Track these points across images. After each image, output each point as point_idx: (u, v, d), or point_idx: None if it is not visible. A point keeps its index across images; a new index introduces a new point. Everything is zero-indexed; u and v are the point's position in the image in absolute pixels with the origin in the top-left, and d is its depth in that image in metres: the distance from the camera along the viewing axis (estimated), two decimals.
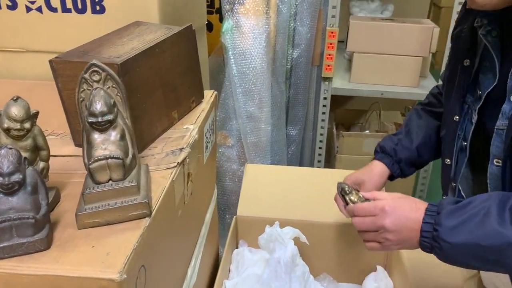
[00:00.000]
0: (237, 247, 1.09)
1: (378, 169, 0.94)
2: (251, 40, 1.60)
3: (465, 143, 0.79)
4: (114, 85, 0.54)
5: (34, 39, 0.90)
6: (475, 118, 0.76)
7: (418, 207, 0.66)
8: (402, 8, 1.96)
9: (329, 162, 1.89)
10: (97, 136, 0.52)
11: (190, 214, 0.73)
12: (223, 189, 1.72)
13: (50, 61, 0.65)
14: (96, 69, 0.53)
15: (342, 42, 1.77)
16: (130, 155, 0.53)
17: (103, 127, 0.52)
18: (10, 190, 0.45)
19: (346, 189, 0.74)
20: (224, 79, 1.63)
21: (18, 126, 0.50)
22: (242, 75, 1.61)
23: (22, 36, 0.91)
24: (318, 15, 1.76)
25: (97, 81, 0.53)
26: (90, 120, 0.51)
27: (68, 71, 0.64)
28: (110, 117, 0.52)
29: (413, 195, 1.84)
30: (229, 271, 1.03)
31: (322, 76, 1.59)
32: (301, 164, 1.94)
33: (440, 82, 1.04)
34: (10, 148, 0.45)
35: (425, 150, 0.94)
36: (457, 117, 0.80)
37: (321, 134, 1.67)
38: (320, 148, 1.70)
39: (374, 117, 1.92)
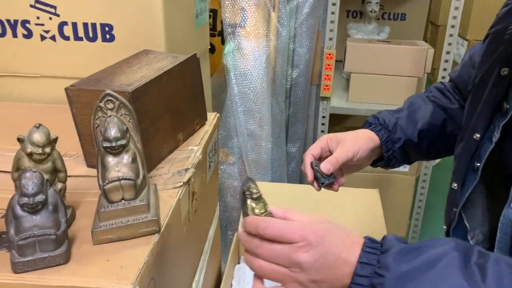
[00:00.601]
0: (238, 263, 1.13)
1: (366, 135, 0.80)
2: (252, 61, 1.66)
3: (478, 164, 0.65)
4: (126, 113, 0.60)
5: (47, 65, 0.96)
6: (496, 136, 0.62)
7: (352, 240, 0.49)
8: (398, 29, 2.03)
9: None
10: (110, 159, 0.57)
11: (194, 231, 0.77)
12: (224, 206, 1.76)
13: (66, 89, 0.70)
14: (110, 98, 0.58)
15: (340, 62, 1.83)
16: (141, 176, 0.58)
17: (117, 151, 0.57)
18: (34, 209, 0.50)
19: (252, 190, 0.53)
20: (225, 99, 1.69)
21: (40, 150, 0.55)
22: (243, 95, 1.67)
23: (36, 63, 0.96)
24: (317, 37, 1.83)
25: (111, 109, 0.59)
26: (105, 145, 0.56)
27: (82, 98, 0.70)
28: (123, 142, 0.57)
29: (412, 211, 1.88)
30: (231, 286, 1.07)
31: (321, 95, 1.65)
32: (301, 181, 1.99)
33: (447, 80, 0.99)
34: (34, 171, 0.50)
35: (426, 139, 0.82)
36: (478, 135, 0.66)
37: None
38: None
39: None
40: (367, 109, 1.64)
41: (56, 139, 0.57)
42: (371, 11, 1.84)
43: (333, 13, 1.54)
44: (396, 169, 1.84)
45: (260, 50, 1.65)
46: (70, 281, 0.49)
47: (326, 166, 0.74)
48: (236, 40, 1.64)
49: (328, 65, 1.55)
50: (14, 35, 0.94)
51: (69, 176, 0.69)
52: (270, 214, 0.52)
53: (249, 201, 0.52)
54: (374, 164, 0.85)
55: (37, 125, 0.56)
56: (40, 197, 0.50)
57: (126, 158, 0.58)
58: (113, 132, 0.56)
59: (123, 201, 0.57)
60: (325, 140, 0.79)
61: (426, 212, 1.84)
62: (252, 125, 1.71)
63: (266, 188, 1.34)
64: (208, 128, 0.87)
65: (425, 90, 0.92)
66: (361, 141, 0.78)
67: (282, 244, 0.48)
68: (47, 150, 0.56)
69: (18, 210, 0.50)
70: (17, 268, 0.50)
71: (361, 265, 0.46)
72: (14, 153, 0.78)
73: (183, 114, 0.81)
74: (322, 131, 1.72)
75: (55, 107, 0.94)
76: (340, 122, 2.09)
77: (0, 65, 0.97)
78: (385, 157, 0.81)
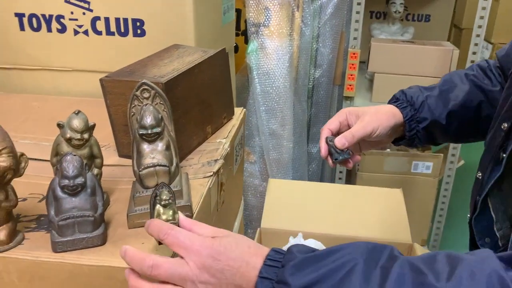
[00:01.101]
0: None
1: (389, 110, 0.75)
2: (275, 60, 1.67)
3: (504, 155, 0.63)
4: (161, 102, 0.61)
5: (80, 59, 0.99)
6: None
7: (253, 252, 0.46)
8: (422, 30, 2.01)
9: (350, 180, 1.93)
10: (146, 147, 0.59)
11: (221, 222, 0.78)
12: (245, 204, 1.77)
13: (101, 80, 0.72)
14: (146, 87, 0.60)
15: (364, 63, 1.83)
16: (174, 163, 0.60)
17: (152, 139, 0.59)
18: (74, 192, 0.52)
19: (163, 196, 0.51)
20: (248, 98, 1.70)
21: (78, 136, 0.57)
22: (266, 94, 1.68)
23: (69, 57, 0.99)
24: (340, 37, 1.83)
25: (147, 98, 0.60)
26: (140, 132, 0.58)
27: (116, 89, 0.72)
28: (158, 129, 0.58)
29: (434, 214, 1.86)
30: None
31: (344, 95, 1.65)
32: (321, 181, 1.99)
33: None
34: (74, 155, 0.52)
35: (456, 121, 0.76)
36: (506, 125, 0.64)
37: None
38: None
39: None
40: None
41: (93, 126, 0.59)
42: (395, 12, 1.83)
43: (358, 12, 1.55)
44: (418, 170, 1.84)
45: (284, 50, 1.66)
46: (108, 262, 0.50)
47: (340, 141, 0.70)
48: (259, 39, 1.65)
49: (352, 65, 1.55)
50: (49, 29, 0.97)
51: (105, 165, 0.71)
52: (175, 223, 0.50)
53: (157, 206, 0.51)
54: (395, 142, 0.79)
55: (76, 112, 0.58)
56: (79, 180, 0.52)
57: (160, 145, 0.59)
58: (149, 120, 0.58)
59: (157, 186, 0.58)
60: (344, 114, 0.74)
61: (448, 216, 1.82)
62: (274, 124, 1.72)
63: (287, 185, 1.35)
64: (235, 122, 0.89)
65: (468, 67, 0.83)
66: (382, 116, 0.72)
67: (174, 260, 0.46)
68: (85, 136, 0.58)
69: (59, 192, 0.52)
70: (57, 247, 0.51)
71: (261, 280, 0.43)
72: (49, 143, 0.81)
73: (212, 107, 0.82)
74: None
75: (87, 100, 0.96)
76: None
77: (34, 59, 1.00)
78: (407, 136, 0.76)
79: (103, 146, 0.83)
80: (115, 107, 0.73)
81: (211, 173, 0.69)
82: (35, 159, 0.72)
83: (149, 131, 0.58)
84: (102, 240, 0.53)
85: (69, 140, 0.57)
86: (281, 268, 0.43)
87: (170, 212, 0.50)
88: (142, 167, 0.57)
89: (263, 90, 1.68)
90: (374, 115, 0.72)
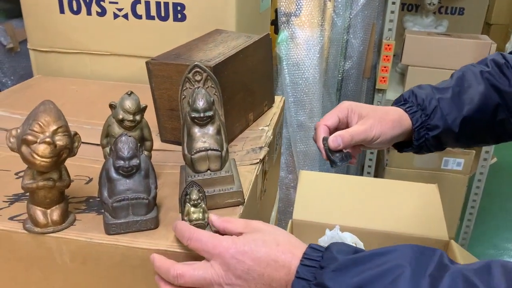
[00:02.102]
0: None
1: (397, 116, 0.66)
2: (305, 51, 1.65)
3: None
4: (212, 85, 0.60)
5: (119, 43, 0.98)
6: None
7: (284, 249, 0.44)
8: (455, 24, 1.96)
9: (378, 175, 1.90)
10: (197, 130, 0.58)
11: (264, 209, 0.77)
12: None
13: (147, 63, 0.71)
14: (198, 70, 0.58)
15: (394, 56, 1.79)
16: (225, 148, 0.58)
17: (204, 122, 0.57)
18: (129, 173, 0.50)
19: (192, 196, 0.50)
20: (276, 89, 1.68)
21: (130, 117, 0.56)
22: (295, 85, 1.66)
23: (108, 41, 0.98)
24: (371, 29, 1.79)
25: (198, 81, 0.59)
26: (193, 115, 0.57)
27: (163, 72, 0.71)
28: (210, 113, 0.57)
29: (463, 212, 1.82)
30: None
31: (376, 87, 1.62)
32: (347, 175, 1.96)
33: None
34: (129, 136, 0.51)
35: (470, 127, 0.67)
36: None
37: None
38: (370, 159, 1.72)
39: None
40: None
41: (145, 108, 0.58)
42: (429, 4, 1.78)
43: (393, 3, 1.51)
44: (448, 166, 1.80)
45: (314, 40, 1.63)
46: (161, 245, 0.49)
47: (336, 140, 0.61)
48: (290, 29, 1.62)
49: (386, 56, 1.52)
50: (89, 12, 0.96)
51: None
52: (204, 223, 0.50)
53: (187, 206, 0.50)
54: (399, 149, 0.71)
55: (128, 92, 0.56)
56: (134, 161, 0.50)
57: (211, 129, 0.58)
58: (201, 103, 0.56)
59: (209, 171, 0.57)
60: (345, 110, 0.65)
61: (479, 215, 1.78)
62: (302, 116, 1.70)
63: (319, 177, 1.33)
64: (276, 110, 0.87)
65: (480, 61, 0.73)
66: (387, 124, 0.63)
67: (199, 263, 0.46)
68: (137, 117, 0.56)
69: (113, 173, 0.51)
70: (110, 229, 0.50)
71: (297, 280, 0.41)
72: (90, 126, 0.80)
73: (254, 94, 0.80)
74: None
75: (125, 85, 0.96)
76: None
77: (73, 42, 1.00)
78: (415, 145, 0.67)
79: None
80: (160, 91, 0.72)
81: (258, 160, 0.67)
82: None
83: (202, 115, 0.56)
84: (155, 224, 0.52)
85: (121, 121, 0.56)
86: (319, 269, 0.41)
87: (200, 212, 0.50)
88: (194, 151, 0.56)
89: (292, 81, 1.65)
90: (378, 121, 0.63)
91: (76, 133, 0.52)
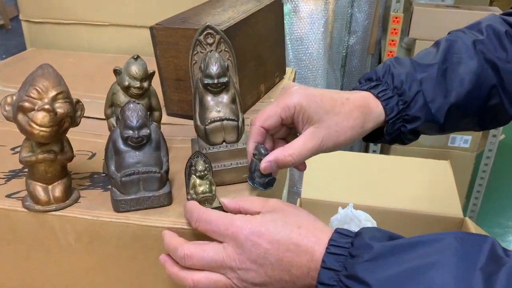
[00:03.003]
0: None
1: (364, 109, 0.49)
2: (309, 25, 1.58)
3: None
4: (226, 49, 0.54)
5: (118, 13, 0.92)
6: None
7: (307, 232, 0.39)
8: None
9: (383, 153, 1.86)
10: (210, 99, 0.52)
11: (277, 187, 0.73)
12: None
13: (151, 28, 0.65)
14: (210, 31, 0.53)
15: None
16: (241, 119, 0.53)
17: (217, 90, 0.52)
18: (139, 144, 0.46)
19: (198, 167, 0.45)
20: None
21: (137, 84, 0.50)
22: (298, 61, 1.60)
23: (106, 10, 0.92)
24: (376, 2, 1.73)
25: (210, 44, 0.53)
26: (206, 82, 0.51)
27: (168, 38, 0.65)
28: (224, 79, 0.52)
29: (469, 190, 1.78)
30: None
31: (383, 60, 1.56)
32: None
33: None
34: (138, 103, 0.46)
35: (456, 116, 0.53)
36: None
37: None
38: None
39: None
40: None
41: (153, 74, 0.53)
42: None
43: None
44: (456, 144, 1.76)
45: (318, 14, 1.57)
46: (177, 223, 0.45)
47: (269, 167, 0.47)
48: (293, 2, 1.56)
49: (394, 30, 1.46)
50: None
51: None
52: (212, 196, 0.45)
53: (193, 178, 0.45)
54: (366, 140, 0.55)
55: (135, 57, 0.51)
56: (145, 131, 0.45)
57: (226, 98, 0.53)
58: (215, 68, 0.51)
59: (224, 143, 0.52)
60: (292, 107, 0.47)
61: (486, 193, 1.75)
62: None
63: (327, 155, 1.29)
64: (287, 82, 0.82)
65: (472, 25, 0.58)
66: (347, 132, 0.48)
67: (212, 244, 0.41)
68: (145, 84, 0.51)
69: (121, 144, 0.46)
70: (119, 206, 0.46)
71: (324, 271, 0.37)
72: (90, 99, 0.75)
73: (266, 64, 0.75)
74: None
75: (123, 57, 0.89)
76: None
77: (68, 12, 0.93)
78: (387, 138, 0.52)
79: None
80: (166, 59, 0.67)
81: None
82: None
83: (215, 81, 0.51)
84: (169, 200, 0.47)
85: (127, 89, 0.51)
86: (350, 258, 0.36)
87: (207, 184, 0.45)
88: (208, 121, 0.51)
89: (295, 57, 1.59)
90: (334, 130, 0.47)
91: (78, 101, 0.47)
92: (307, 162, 0.50)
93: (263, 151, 0.47)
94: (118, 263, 0.47)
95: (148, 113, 0.47)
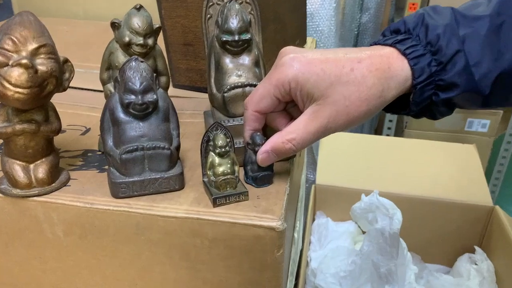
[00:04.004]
0: (313, 219, 1.00)
1: (383, 74, 0.38)
2: (320, 0, 1.49)
3: None
4: (247, 0, 0.45)
5: None
6: None
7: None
8: None
9: (396, 136, 1.77)
10: (229, 61, 0.43)
11: (298, 171, 0.64)
12: None
13: None
14: None
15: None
16: None
17: (238, 49, 0.42)
18: (144, 112, 0.36)
19: (218, 142, 0.37)
20: None
21: (140, 40, 0.41)
22: None
23: None
24: None
25: None
26: (224, 39, 0.42)
27: None
28: (247, 36, 0.42)
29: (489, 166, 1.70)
30: (310, 243, 0.94)
31: None
32: None
33: None
34: (142, 61, 0.36)
35: (507, 85, 0.40)
36: None
37: None
38: (390, 121, 1.58)
39: None
40: None
41: (159, 29, 0.43)
42: None
43: None
44: (473, 128, 1.67)
45: None
46: (192, 212, 0.35)
47: (267, 158, 0.39)
48: None
49: (413, 4, 1.36)
50: None
51: None
52: (235, 178, 0.37)
53: (211, 156, 0.37)
54: (386, 109, 0.43)
55: (137, 7, 0.41)
56: (150, 96, 0.36)
57: (248, 60, 0.43)
58: (235, 21, 0.41)
59: None
60: (286, 83, 0.38)
61: (505, 179, 1.66)
62: None
63: (342, 137, 1.19)
64: None
65: None
66: (362, 98, 0.38)
67: None
68: (150, 41, 0.41)
69: (120, 113, 0.36)
70: (119, 191, 0.36)
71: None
72: (84, 69, 0.65)
73: (286, 29, 0.65)
74: None
75: None
76: None
77: None
78: (413, 109, 0.40)
79: None
80: (172, 20, 0.57)
81: None
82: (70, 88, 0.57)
83: (236, 38, 0.42)
84: (180, 183, 0.38)
85: (127, 46, 0.41)
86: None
87: (229, 163, 0.37)
88: (227, 88, 0.42)
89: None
90: (343, 102, 0.38)
91: (67, 60, 0.38)
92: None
93: (258, 140, 0.38)
94: (118, 261, 0.38)
95: (155, 75, 0.38)
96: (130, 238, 0.36)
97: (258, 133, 0.39)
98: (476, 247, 0.91)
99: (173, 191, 0.37)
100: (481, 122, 1.62)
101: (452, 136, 1.66)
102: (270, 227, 0.33)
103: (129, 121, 0.36)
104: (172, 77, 0.61)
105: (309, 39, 0.76)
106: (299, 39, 0.70)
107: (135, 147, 0.36)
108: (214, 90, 0.43)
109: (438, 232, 0.94)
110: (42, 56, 0.34)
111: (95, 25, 0.82)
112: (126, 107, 0.36)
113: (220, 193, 0.36)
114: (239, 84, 0.42)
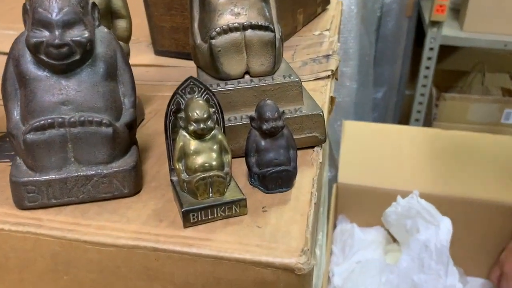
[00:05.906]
0: (334, 224, 0.85)
1: None
2: None
3: None
4: None
5: None
6: None
7: None
8: None
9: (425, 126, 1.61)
10: None
11: (323, 165, 0.48)
12: None
13: None
14: None
15: None
16: (277, 32, 0.28)
17: None
18: (66, 61, 0.21)
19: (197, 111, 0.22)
20: None
21: None
22: None
23: None
24: None
25: None
26: None
27: None
28: None
29: None
30: (331, 254, 0.79)
31: (431, 19, 1.30)
32: None
33: None
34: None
35: None
36: None
37: (422, 95, 1.38)
38: (418, 112, 1.41)
39: (476, 80, 1.59)
40: (490, 39, 1.28)
41: None
42: None
43: None
44: (510, 120, 1.49)
45: None
46: (151, 239, 0.20)
47: None
48: None
49: None
50: None
51: (133, 65, 0.41)
52: (223, 179, 0.22)
53: (182, 135, 0.22)
54: None
55: None
56: (78, 33, 0.21)
57: None
58: None
59: (247, 75, 0.27)
60: None
61: None
62: None
63: (367, 128, 1.03)
64: (334, 13, 0.56)
65: None
66: None
67: None
68: None
69: (29, 64, 0.21)
70: (24, 197, 0.21)
71: None
72: None
73: None
74: (427, 68, 1.37)
75: None
76: (445, 57, 1.66)
77: None
78: None
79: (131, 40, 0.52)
80: None
81: (329, 72, 0.37)
82: None
83: None
84: (132, 184, 0.22)
85: None
86: None
87: (212, 150, 0.21)
88: (215, 31, 0.26)
89: None
90: None
91: None
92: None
93: (268, 114, 0.23)
94: None
95: (92, 1, 0.22)
96: (44, 278, 0.21)
97: (268, 100, 0.23)
98: None
99: (119, 197, 0.22)
100: None
101: (486, 128, 1.49)
102: (285, 266, 0.18)
103: (43, 78, 0.21)
104: (154, 41, 0.46)
105: (334, 0, 0.59)
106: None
107: (49, 121, 0.20)
108: (199, 40, 0.28)
109: (483, 240, 0.79)
110: None
111: None
112: (35, 52, 0.20)
113: (198, 202, 0.20)
114: (236, 25, 0.26)
